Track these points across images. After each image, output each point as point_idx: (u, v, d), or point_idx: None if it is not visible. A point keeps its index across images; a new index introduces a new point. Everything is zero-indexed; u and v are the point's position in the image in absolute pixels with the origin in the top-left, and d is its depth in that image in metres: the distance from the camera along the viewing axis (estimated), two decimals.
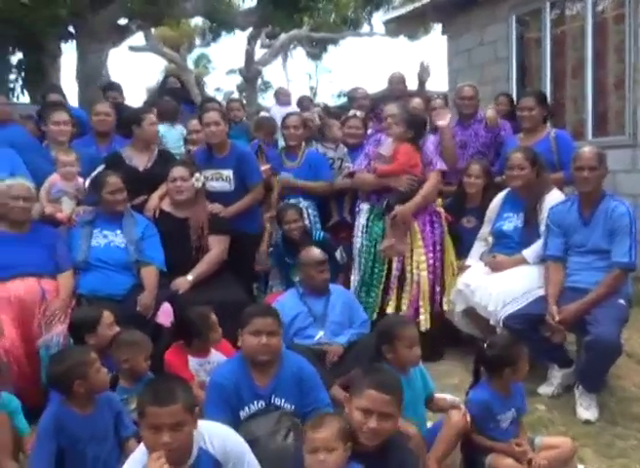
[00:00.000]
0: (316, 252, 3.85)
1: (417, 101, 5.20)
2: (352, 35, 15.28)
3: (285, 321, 3.27)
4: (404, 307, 4.09)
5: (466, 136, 4.91)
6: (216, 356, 3.27)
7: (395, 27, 9.86)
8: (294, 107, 7.05)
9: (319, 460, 2.11)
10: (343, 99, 14.67)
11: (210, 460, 2.11)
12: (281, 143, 5.19)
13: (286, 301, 3.74)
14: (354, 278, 4.31)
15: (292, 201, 4.61)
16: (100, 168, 4.17)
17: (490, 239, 4.17)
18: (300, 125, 4.80)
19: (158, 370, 3.16)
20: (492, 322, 3.73)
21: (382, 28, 14.36)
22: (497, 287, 3.76)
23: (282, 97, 7.65)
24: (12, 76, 7.98)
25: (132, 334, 3.05)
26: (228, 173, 4.28)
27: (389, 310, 4.08)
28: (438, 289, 4.16)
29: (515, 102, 5.25)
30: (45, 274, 3.57)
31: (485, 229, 4.21)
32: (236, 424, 2.53)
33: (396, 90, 5.64)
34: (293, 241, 4.30)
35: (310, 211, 4.65)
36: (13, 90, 7.53)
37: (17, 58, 8.02)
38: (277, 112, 5.87)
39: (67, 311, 3.46)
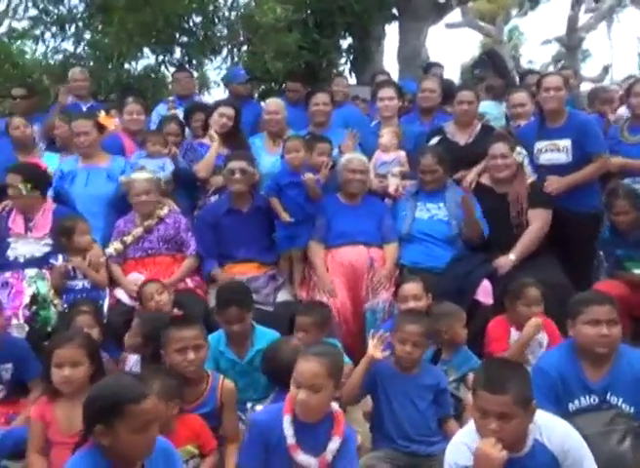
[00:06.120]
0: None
1: None
2: None
3: None
4: None
5: None
6: None
7: None
8: None
9: None
10: None
11: (546, 453, 2.04)
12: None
13: None
14: None
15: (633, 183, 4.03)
16: (435, 140, 4.23)
17: None
18: None
19: (474, 347, 3.17)
20: None
21: None
22: None
23: None
24: (342, 60, 8.67)
25: (445, 306, 3.20)
26: (566, 143, 3.97)
27: None
28: None
29: None
30: (373, 243, 3.82)
31: None
32: (563, 416, 2.38)
33: None
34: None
35: None
36: (342, 73, 8.18)
37: (346, 42, 8.66)
38: None
39: (392, 280, 3.68)
